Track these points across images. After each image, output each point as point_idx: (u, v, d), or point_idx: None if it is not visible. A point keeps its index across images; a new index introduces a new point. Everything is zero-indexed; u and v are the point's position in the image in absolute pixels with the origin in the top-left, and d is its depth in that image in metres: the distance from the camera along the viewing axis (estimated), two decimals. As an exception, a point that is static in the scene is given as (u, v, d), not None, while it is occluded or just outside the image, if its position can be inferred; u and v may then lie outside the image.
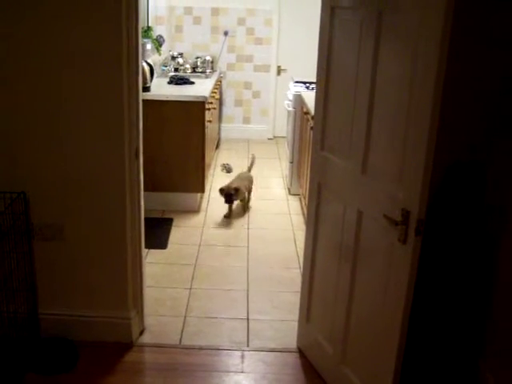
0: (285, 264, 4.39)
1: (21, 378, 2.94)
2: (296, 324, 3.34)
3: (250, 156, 6.23)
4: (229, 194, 5.22)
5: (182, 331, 3.42)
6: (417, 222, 2.17)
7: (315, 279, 3.07)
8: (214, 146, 7.08)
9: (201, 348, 3.27)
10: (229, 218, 5.28)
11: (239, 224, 5.16)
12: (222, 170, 6.69)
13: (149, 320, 3.46)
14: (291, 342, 3.34)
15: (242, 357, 3.20)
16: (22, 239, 3.04)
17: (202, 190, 5.37)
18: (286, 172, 6.33)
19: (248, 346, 3.31)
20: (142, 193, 3.16)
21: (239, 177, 5.60)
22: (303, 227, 5.02)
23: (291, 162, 5.95)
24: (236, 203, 5.47)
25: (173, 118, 5.05)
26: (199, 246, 4.66)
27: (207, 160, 5.54)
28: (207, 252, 4.56)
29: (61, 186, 3.02)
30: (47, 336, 3.21)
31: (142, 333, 3.37)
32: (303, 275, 3.20)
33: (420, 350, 2.84)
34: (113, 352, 3.18)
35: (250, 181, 5.65)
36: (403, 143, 2.21)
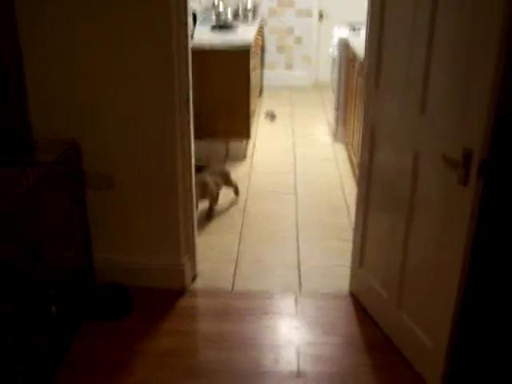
0: (333, 211, 4.36)
1: (78, 324, 3.01)
2: (346, 269, 3.33)
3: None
4: None
5: (234, 277, 3.44)
6: (479, 163, 2.10)
7: (368, 223, 3.03)
8: (258, 94, 7.01)
9: (253, 293, 3.29)
10: (210, 217, 4.26)
11: (287, 170, 5.12)
12: (266, 117, 6.64)
13: (200, 266, 3.49)
14: (343, 287, 3.33)
15: (295, 301, 3.21)
16: (74, 188, 3.07)
17: (248, 136, 5.34)
18: (331, 119, 6.24)
19: (300, 290, 3.32)
20: (192, 139, 3.14)
21: (210, 171, 4.34)
22: (350, 173, 4.98)
23: (337, 109, 5.86)
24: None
25: (217, 65, 4.99)
26: (247, 193, 4.65)
27: (252, 107, 5.49)
28: (255, 199, 4.55)
29: (111, 133, 3.01)
30: (102, 282, 3.27)
31: (194, 279, 3.41)
32: (356, 219, 3.16)
33: (481, 298, 2.79)
34: (166, 298, 3.22)
35: (224, 175, 4.47)
36: (466, 76, 2.11)
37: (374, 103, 2.83)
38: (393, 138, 2.68)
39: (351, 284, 3.29)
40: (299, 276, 3.46)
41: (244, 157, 5.38)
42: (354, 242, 3.21)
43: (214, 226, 4.10)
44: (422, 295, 2.60)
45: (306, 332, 2.97)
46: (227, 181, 4.49)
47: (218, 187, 4.33)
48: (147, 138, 3.01)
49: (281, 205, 4.45)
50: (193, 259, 3.37)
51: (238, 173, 5.00)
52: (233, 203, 4.49)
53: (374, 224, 2.98)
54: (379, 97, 2.77)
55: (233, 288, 3.34)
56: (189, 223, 3.26)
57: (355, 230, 3.20)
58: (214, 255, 3.68)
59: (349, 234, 3.86)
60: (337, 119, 5.89)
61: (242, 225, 4.11)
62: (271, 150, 5.61)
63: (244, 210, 4.33)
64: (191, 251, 3.34)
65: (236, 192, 4.58)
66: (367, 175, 2.97)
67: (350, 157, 5.33)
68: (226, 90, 5.06)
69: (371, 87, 2.81)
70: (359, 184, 3.10)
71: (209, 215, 4.23)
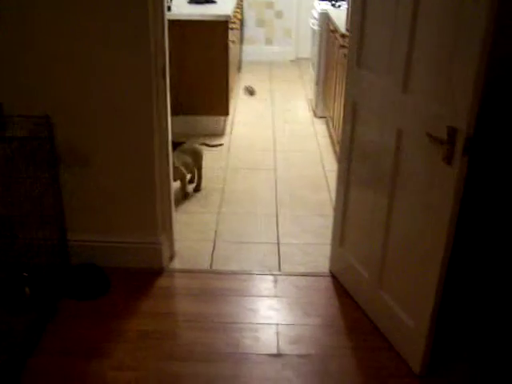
0: (313, 187, 4.30)
1: (55, 305, 2.93)
2: (327, 248, 3.29)
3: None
4: None
5: (212, 256, 3.38)
6: (465, 141, 2.04)
7: (349, 201, 2.98)
8: (237, 69, 6.89)
9: (232, 272, 3.23)
10: (186, 198, 4.11)
11: (266, 147, 5.04)
12: (245, 92, 6.53)
13: (178, 245, 3.42)
14: (323, 265, 3.29)
15: (274, 281, 3.16)
16: (47, 165, 2.97)
17: (227, 113, 5.24)
18: (311, 95, 6.16)
19: (279, 270, 3.26)
20: (169, 114, 3.05)
21: (181, 150, 4.08)
22: (330, 149, 4.93)
23: (317, 84, 5.77)
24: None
25: (195, 38, 4.87)
26: (226, 169, 4.57)
27: (230, 83, 5.39)
28: (234, 176, 4.47)
29: (85, 108, 2.90)
30: (78, 263, 3.18)
31: (171, 258, 3.34)
32: (337, 197, 3.11)
33: (463, 279, 2.77)
34: (144, 278, 3.15)
35: (195, 155, 4.18)
36: (451, 52, 2.04)
37: (355, 80, 2.75)
38: (375, 115, 2.62)
39: (332, 263, 3.24)
40: (279, 255, 3.41)
41: (222, 133, 5.29)
42: (335, 221, 3.15)
43: (192, 204, 4.02)
44: (403, 275, 2.56)
45: (285, 313, 2.91)
46: (196, 163, 4.18)
47: (187, 168, 4.06)
48: (122, 113, 2.91)
49: (260, 182, 4.38)
50: (170, 238, 3.30)
51: (215, 149, 4.91)
52: (188, 196, 4.13)
53: (355, 202, 2.93)
54: (361, 74, 2.69)
55: (211, 268, 3.28)
56: (166, 202, 3.18)
57: (335, 207, 3.14)
58: (191, 234, 3.61)
59: (329, 210, 3.83)
60: (317, 94, 5.81)
61: (221, 203, 4.03)
62: (250, 127, 5.52)
63: (223, 188, 4.25)
64: (168, 230, 3.26)
65: (198, 186, 4.22)
66: (348, 152, 2.90)
67: (329, 132, 5.27)
68: (203, 65, 4.95)
69: (353, 64, 2.73)
70: (340, 160, 3.04)
71: (184, 195, 4.10)
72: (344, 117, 2.93)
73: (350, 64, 2.76)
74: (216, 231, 3.65)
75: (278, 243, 3.53)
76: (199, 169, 4.23)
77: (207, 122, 5.17)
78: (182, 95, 4.96)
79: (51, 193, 3.02)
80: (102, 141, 2.97)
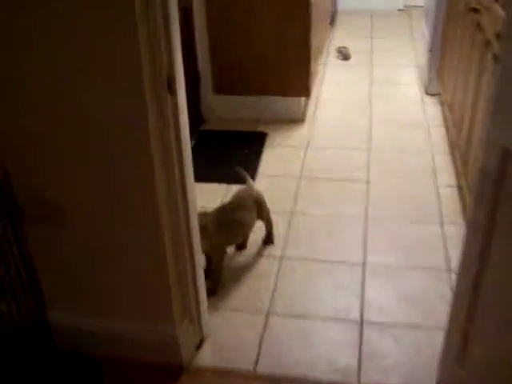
0: (419, 214, 3.03)
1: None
2: (438, 336, 2.10)
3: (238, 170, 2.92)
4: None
5: (260, 346, 2.26)
6: None
7: (482, 291, 1.72)
8: (327, 23, 5.55)
9: (286, 381, 2.12)
10: (243, 248, 2.83)
11: (358, 142, 3.78)
12: (338, 56, 5.23)
13: (214, 318, 2.34)
14: (427, 373, 2.11)
15: (349, 408, 2.02)
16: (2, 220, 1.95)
17: (307, 94, 3.99)
18: (422, 62, 4.77)
19: (359, 381, 2.11)
20: (187, 138, 1.91)
21: (237, 199, 2.70)
22: (446, 149, 3.62)
23: (431, 51, 4.37)
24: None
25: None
26: (300, 178, 3.38)
27: (318, 43, 4.13)
28: (310, 189, 3.27)
29: (56, 144, 1.82)
30: (60, 350, 2.19)
31: (200, 344, 2.26)
32: (458, 281, 1.85)
33: None
34: (154, 381, 2.12)
35: (259, 204, 2.73)
36: None
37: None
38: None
39: (440, 379, 2.05)
40: (360, 347, 2.24)
41: (301, 119, 4.06)
42: (451, 321, 1.93)
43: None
44: None
45: None
46: (263, 213, 2.76)
47: (245, 233, 2.75)
48: (107, 149, 1.80)
49: (344, 204, 3.13)
50: (197, 320, 2.20)
51: (290, 143, 3.73)
52: (260, 253, 2.81)
53: (494, 294, 1.68)
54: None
55: (256, 369, 2.17)
56: (186, 267, 2.07)
57: (457, 284, 1.88)
58: (237, 296, 2.50)
59: (441, 260, 2.65)
60: (430, 64, 4.42)
61: (286, 239, 2.87)
62: (339, 108, 4.24)
63: (291, 212, 3.07)
64: (194, 310, 2.16)
65: (269, 237, 2.86)
66: (490, 188, 1.60)
67: (445, 120, 3.93)
68: (276, 31, 3.66)
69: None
70: (476, 204, 1.74)
71: (211, 289, 2.50)
72: (484, 166, 1.65)
73: (503, 80, 1.47)
74: (272, 294, 2.52)
75: (362, 322, 2.36)
76: (267, 216, 2.81)
77: (282, 104, 3.97)
78: (250, 71, 3.78)
79: (14, 256, 2.02)
80: (82, 188, 1.89)
